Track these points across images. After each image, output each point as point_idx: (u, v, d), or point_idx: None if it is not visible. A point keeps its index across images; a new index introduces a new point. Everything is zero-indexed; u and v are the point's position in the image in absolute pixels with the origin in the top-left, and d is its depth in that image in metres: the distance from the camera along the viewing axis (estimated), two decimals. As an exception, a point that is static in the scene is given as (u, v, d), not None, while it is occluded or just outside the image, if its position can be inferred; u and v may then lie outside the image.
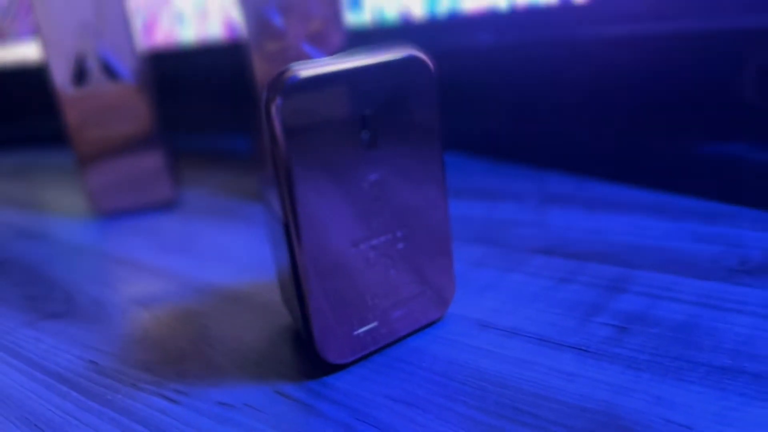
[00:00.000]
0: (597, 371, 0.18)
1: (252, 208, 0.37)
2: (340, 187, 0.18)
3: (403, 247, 0.20)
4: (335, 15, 0.33)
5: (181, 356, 0.22)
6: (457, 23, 0.40)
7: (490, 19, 0.38)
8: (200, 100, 0.58)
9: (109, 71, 0.36)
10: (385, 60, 0.18)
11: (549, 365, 0.19)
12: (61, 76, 0.35)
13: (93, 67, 0.35)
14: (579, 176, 0.35)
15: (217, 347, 0.22)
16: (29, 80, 0.54)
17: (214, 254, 0.31)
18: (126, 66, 0.36)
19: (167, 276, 0.29)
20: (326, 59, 0.18)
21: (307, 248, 0.18)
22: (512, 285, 0.24)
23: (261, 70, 0.33)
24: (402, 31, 0.41)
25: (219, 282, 0.27)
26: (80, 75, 0.35)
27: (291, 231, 0.18)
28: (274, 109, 0.16)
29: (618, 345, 0.19)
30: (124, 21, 0.35)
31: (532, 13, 0.37)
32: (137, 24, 0.53)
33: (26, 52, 0.62)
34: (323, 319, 0.19)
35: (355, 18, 0.43)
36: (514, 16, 0.37)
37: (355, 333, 0.19)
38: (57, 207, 0.43)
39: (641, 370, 0.18)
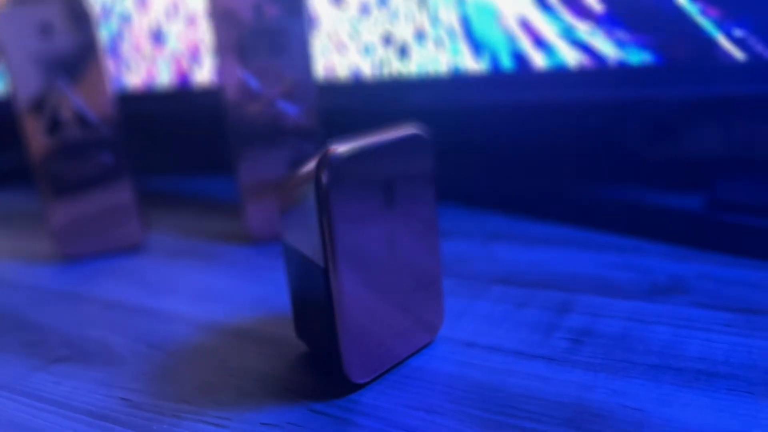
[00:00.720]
0: (564, 374, 0.23)
1: (223, 248, 0.40)
2: (367, 237, 0.22)
3: (408, 281, 0.24)
4: (306, 75, 0.37)
5: (211, 387, 0.25)
6: (396, 85, 0.45)
7: (426, 84, 0.44)
8: (168, 142, 0.60)
9: (83, 121, 0.37)
10: (397, 138, 0.23)
11: (527, 372, 0.24)
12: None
13: (67, 117, 0.37)
14: (512, 216, 0.41)
15: (242, 377, 0.25)
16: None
17: (202, 294, 0.33)
18: (99, 114, 0.38)
19: (164, 316, 0.31)
20: (354, 140, 0.22)
21: (342, 287, 0.22)
22: (482, 311, 0.29)
23: (238, 124, 0.37)
24: (352, 88, 0.46)
25: (218, 320, 0.30)
26: (54, 126, 0.37)
27: (330, 274, 0.22)
28: (324, 178, 0.21)
29: (576, 354, 0.25)
30: (102, 70, 0.37)
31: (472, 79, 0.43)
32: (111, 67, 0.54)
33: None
34: (351, 346, 0.23)
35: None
36: (454, 81, 0.44)
37: (372, 357, 0.24)
38: (17, 251, 0.43)
39: (598, 371, 0.23)
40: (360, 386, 0.24)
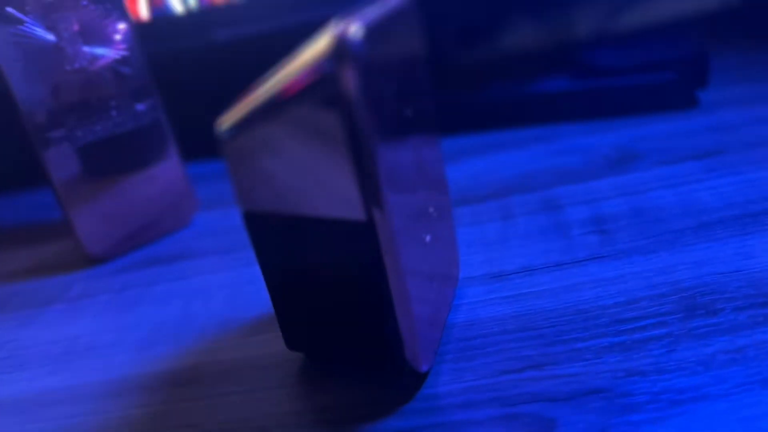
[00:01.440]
0: (632, 266, 0.20)
1: (49, 286, 0.27)
2: (400, 161, 0.15)
3: (435, 214, 0.18)
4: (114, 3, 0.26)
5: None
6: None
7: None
8: None
9: None
10: (395, 6, 0.15)
11: (591, 280, 0.19)
12: None
13: None
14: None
15: (291, 427, 0.16)
16: None
17: (64, 353, 0.22)
18: None
19: (36, 402, 0.19)
20: (350, 16, 0.14)
21: (399, 246, 0.14)
22: (471, 237, 0.24)
23: (30, 97, 0.24)
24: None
25: (125, 375, 0.19)
26: None
27: (378, 227, 0.14)
28: (349, 77, 0.13)
29: (617, 242, 0.21)
30: None
31: None
32: None
33: None
34: (412, 326, 0.16)
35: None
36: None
37: (429, 332, 0.17)
38: None
39: (658, 251, 0.20)
40: (421, 378, 0.17)
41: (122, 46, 0.26)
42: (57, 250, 0.30)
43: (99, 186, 0.27)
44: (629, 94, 0.34)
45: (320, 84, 0.13)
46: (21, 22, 0.24)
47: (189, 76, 0.39)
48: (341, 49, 0.13)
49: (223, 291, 0.23)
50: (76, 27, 0.25)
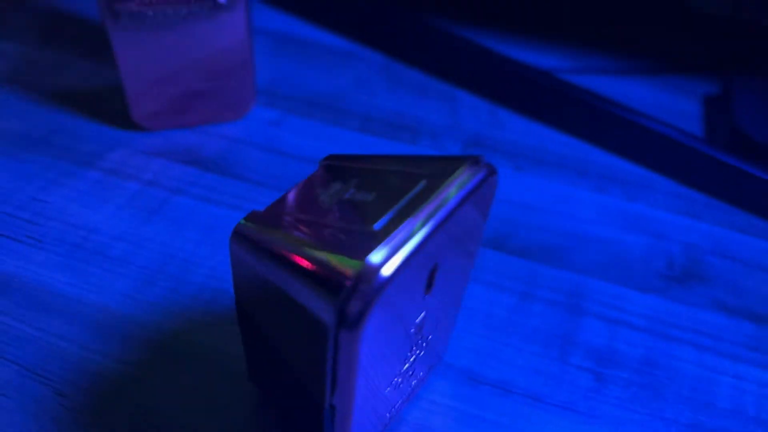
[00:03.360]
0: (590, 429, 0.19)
1: (86, 132, 0.28)
2: (389, 351, 0.14)
3: (423, 353, 0.17)
4: None
5: (138, 472, 0.18)
6: None
7: None
8: None
9: None
10: (462, 197, 0.13)
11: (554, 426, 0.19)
12: None
13: None
14: (493, 103, 0.32)
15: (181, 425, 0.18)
16: None
17: (80, 248, 0.23)
18: None
19: (43, 307, 0.21)
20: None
21: (352, 420, 0.14)
22: (478, 305, 0.23)
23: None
24: None
25: (114, 309, 0.21)
26: None
27: (338, 413, 0.14)
28: (348, 326, 0.11)
29: (602, 396, 0.20)
30: None
31: None
32: None
33: None
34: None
35: None
36: None
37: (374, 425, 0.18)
38: None
39: (634, 426, 0.20)
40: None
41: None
42: (111, 91, 0.30)
43: (156, 50, 0.26)
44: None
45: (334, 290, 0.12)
46: None
47: None
48: (355, 302, 0.11)
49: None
50: None
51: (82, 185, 0.25)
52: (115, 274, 0.22)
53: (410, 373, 0.17)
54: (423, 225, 0.12)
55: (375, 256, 0.11)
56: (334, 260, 0.12)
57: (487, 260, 0.24)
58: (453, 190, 0.13)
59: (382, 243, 0.12)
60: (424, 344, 0.17)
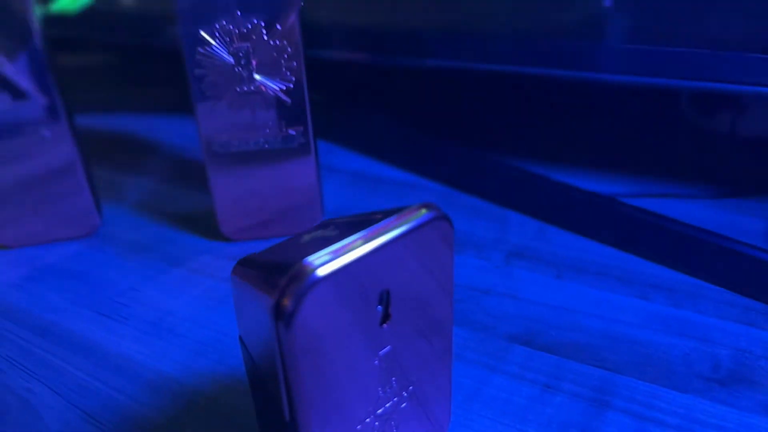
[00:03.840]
0: None
1: (187, 244, 0.33)
2: (352, 374, 0.16)
3: (407, 405, 0.18)
4: (292, 41, 0.29)
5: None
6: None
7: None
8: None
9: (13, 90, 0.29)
10: (409, 229, 0.15)
11: None
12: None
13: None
14: (538, 220, 0.34)
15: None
16: None
17: (158, 323, 0.27)
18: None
19: (106, 361, 0.25)
20: (340, 232, 0.15)
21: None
22: (497, 393, 0.23)
23: (205, 103, 0.29)
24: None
25: (172, 374, 0.24)
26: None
27: (297, 429, 0.15)
28: (290, 322, 0.14)
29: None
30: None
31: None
32: None
33: None
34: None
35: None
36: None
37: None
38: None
39: None
40: None
41: (290, 80, 0.29)
42: (204, 214, 0.36)
43: (241, 183, 0.32)
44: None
45: (271, 310, 0.14)
46: (209, 43, 0.28)
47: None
48: (292, 294, 0.14)
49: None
50: (253, 59, 0.28)
51: (170, 279, 0.31)
52: (174, 346, 0.26)
53: (392, 424, 0.18)
54: (363, 243, 0.15)
55: (310, 258, 0.14)
56: (280, 267, 0.14)
57: (512, 353, 0.25)
58: (397, 221, 0.15)
59: (321, 252, 0.14)
60: (404, 394, 0.18)
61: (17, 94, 0.29)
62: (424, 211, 0.16)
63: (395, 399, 0.18)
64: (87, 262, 0.32)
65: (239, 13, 0.27)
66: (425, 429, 0.20)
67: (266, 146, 0.31)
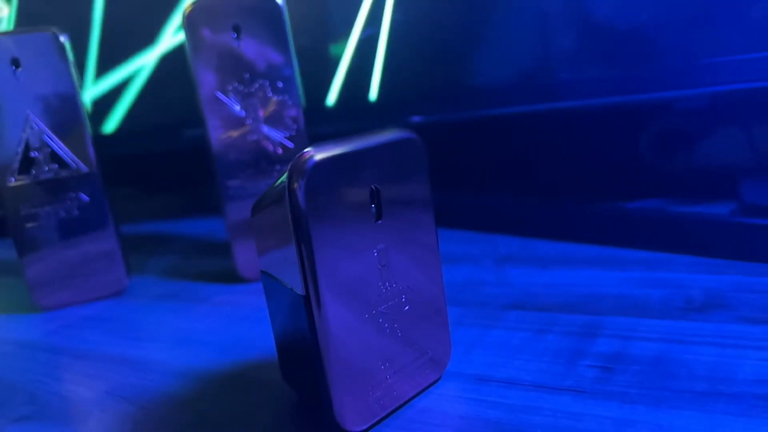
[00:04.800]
0: (597, 409, 0.20)
1: (210, 289, 0.37)
2: (354, 258, 0.19)
3: (408, 309, 0.21)
4: (292, 96, 0.35)
5: (185, 445, 0.21)
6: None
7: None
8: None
9: (58, 160, 0.35)
10: (385, 141, 0.20)
11: (552, 408, 0.20)
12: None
13: (40, 156, 0.35)
14: (525, 237, 0.38)
15: (221, 430, 0.22)
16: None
17: (183, 339, 0.30)
18: (75, 153, 0.35)
19: (140, 365, 0.28)
20: (335, 143, 0.19)
21: (328, 319, 0.18)
22: (495, 340, 0.25)
23: (221, 152, 0.34)
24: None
25: (198, 366, 0.27)
26: (26, 163, 0.34)
27: (312, 303, 0.18)
28: (297, 190, 0.18)
29: (608, 383, 0.21)
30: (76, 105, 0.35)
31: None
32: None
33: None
34: (342, 388, 0.19)
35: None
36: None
37: (370, 400, 0.20)
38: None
39: (635, 403, 0.20)
40: (357, 435, 0.20)
41: (292, 128, 0.35)
42: (222, 267, 0.40)
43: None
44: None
45: (282, 192, 0.18)
46: (223, 103, 0.34)
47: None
48: (295, 171, 0.18)
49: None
50: (261, 112, 0.34)
51: (195, 310, 0.34)
52: (201, 350, 0.28)
53: (394, 323, 0.20)
54: (351, 146, 0.19)
55: (309, 151, 0.18)
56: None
57: (506, 316, 0.27)
58: (376, 135, 0.20)
59: (323, 148, 0.18)
60: (402, 297, 0.21)
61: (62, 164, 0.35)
62: (397, 129, 0.20)
63: (395, 300, 0.20)
64: (118, 309, 0.36)
65: (247, 75, 0.34)
66: (424, 352, 0.22)
67: (275, 188, 0.35)
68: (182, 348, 0.29)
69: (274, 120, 0.35)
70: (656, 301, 0.27)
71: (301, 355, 0.20)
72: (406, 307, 0.21)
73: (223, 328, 0.31)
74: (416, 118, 0.44)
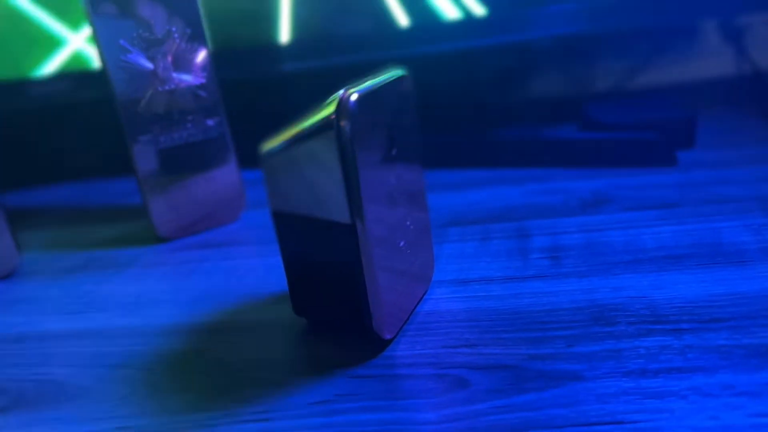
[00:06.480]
0: (564, 285, 0.25)
1: (129, 253, 0.35)
2: (381, 187, 0.21)
3: (412, 228, 0.24)
4: (200, 42, 0.33)
5: (222, 388, 0.22)
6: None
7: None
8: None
9: None
10: (393, 79, 0.22)
11: (531, 292, 0.25)
12: None
13: None
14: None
15: (253, 369, 0.23)
16: None
17: (134, 303, 0.29)
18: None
19: (106, 334, 0.26)
20: (355, 85, 0.21)
21: (370, 243, 0.21)
22: (452, 252, 0.29)
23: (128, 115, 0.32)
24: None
25: (179, 322, 0.26)
26: None
27: (357, 229, 0.20)
28: (346, 126, 0.19)
29: (561, 267, 0.27)
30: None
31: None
32: None
33: None
34: (379, 302, 0.22)
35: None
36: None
37: (395, 310, 0.23)
38: None
39: (589, 276, 0.26)
40: (385, 344, 0.23)
41: (202, 75, 0.34)
42: (133, 228, 0.38)
43: (172, 181, 0.34)
44: (622, 149, 0.39)
45: (327, 128, 0.20)
46: (128, 51, 0.32)
47: (253, 98, 0.47)
48: (341, 108, 0.19)
49: (255, 271, 0.30)
50: (169, 58, 0.33)
51: (126, 276, 0.32)
52: (165, 308, 0.28)
53: (402, 245, 0.23)
54: (372, 84, 0.21)
55: (345, 92, 0.20)
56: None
57: (449, 232, 0.32)
58: (383, 74, 0.22)
59: (349, 89, 0.20)
60: (410, 224, 0.23)
61: None
62: (400, 71, 0.23)
63: (407, 220, 0.23)
64: (23, 291, 0.32)
65: (152, 22, 0.32)
66: (422, 267, 0.25)
67: (190, 139, 0.34)
68: (143, 311, 0.28)
69: (183, 67, 0.33)
70: (558, 205, 0.33)
71: (334, 281, 0.22)
72: (409, 230, 0.24)
73: (174, 286, 0.30)
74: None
